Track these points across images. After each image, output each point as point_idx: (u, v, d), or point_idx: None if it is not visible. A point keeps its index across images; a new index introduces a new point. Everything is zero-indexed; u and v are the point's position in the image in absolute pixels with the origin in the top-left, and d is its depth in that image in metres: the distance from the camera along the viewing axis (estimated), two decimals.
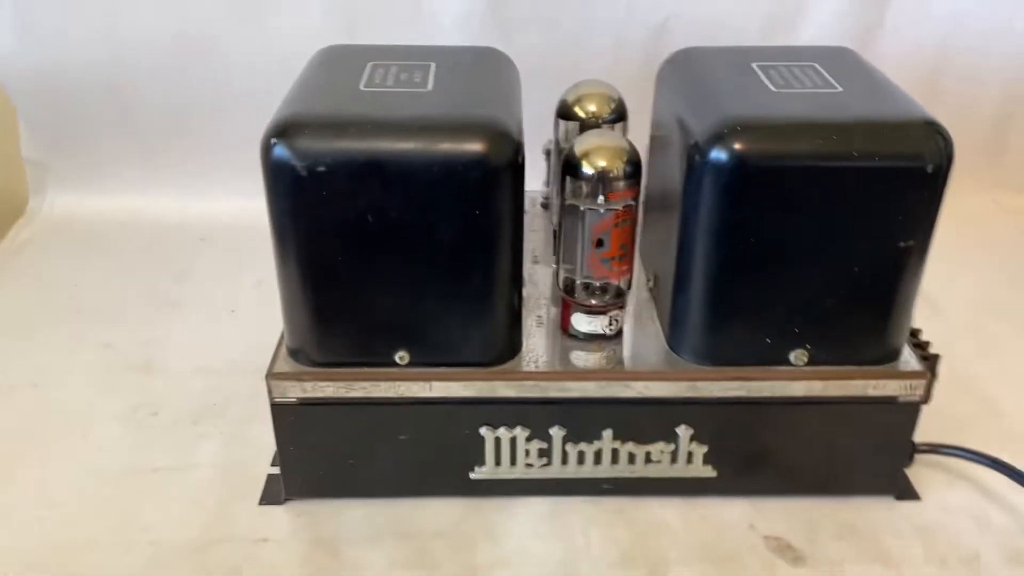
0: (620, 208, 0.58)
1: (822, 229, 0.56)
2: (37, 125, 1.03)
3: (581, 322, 0.63)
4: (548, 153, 0.75)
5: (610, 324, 0.63)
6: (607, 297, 0.62)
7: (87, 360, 0.81)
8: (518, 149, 0.54)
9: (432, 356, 0.60)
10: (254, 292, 0.91)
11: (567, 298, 0.63)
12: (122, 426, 0.73)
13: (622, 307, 0.63)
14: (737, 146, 0.54)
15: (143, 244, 1.00)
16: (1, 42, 0.96)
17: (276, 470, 0.67)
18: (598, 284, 0.62)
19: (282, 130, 0.53)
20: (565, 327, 0.64)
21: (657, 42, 0.96)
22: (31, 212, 1.07)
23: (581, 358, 0.62)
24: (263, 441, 0.70)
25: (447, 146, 0.53)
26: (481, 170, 0.53)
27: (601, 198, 0.58)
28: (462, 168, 0.53)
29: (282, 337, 0.62)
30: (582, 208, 0.59)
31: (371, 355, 0.60)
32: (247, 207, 1.03)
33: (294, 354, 0.61)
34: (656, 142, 0.69)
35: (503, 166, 0.54)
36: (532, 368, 0.61)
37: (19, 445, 0.71)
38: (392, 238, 0.55)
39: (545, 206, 0.80)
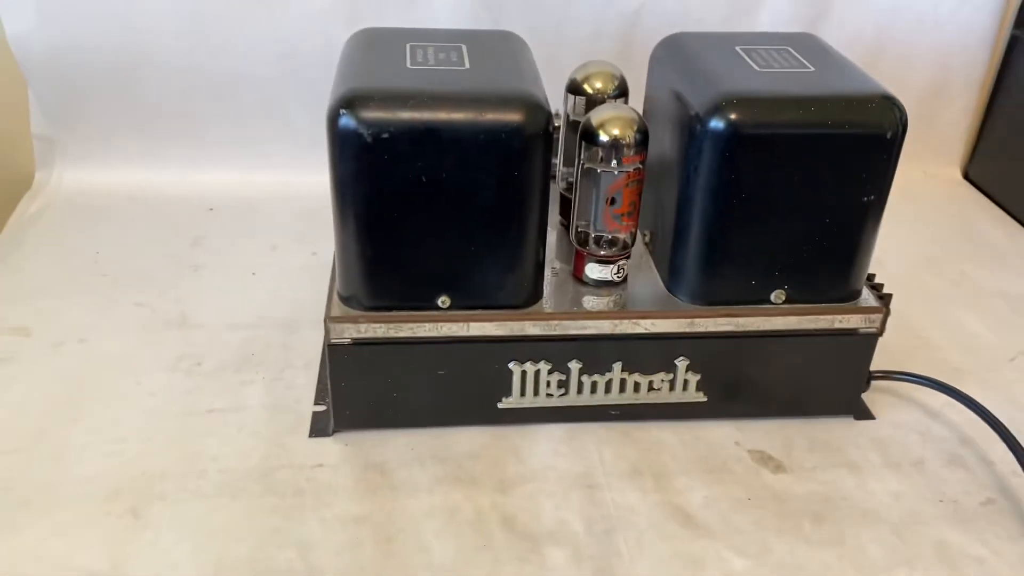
0: (631, 170, 0.68)
1: (801, 186, 0.66)
2: (47, 101, 1.08)
3: (593, 270, 0.73)
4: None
5: (618, 272, 0.73)
6: (615, 249, 0.72)
7: (124, 318, 0.88)
8: (549, 119, 0.64)
9: (470, 300, 0.69)
10: (271, 255, 0.99)
11: (581, 249, 0.73)
12: (170, 375, 0.80)
13: (628, 257, 0.73)
14: (733, 116, 0.64)
15: (154, 215, 1.06)
16: (22, 19, 1.00)
17: (321, 408, 0.76)
18: (609, 237, 0.72)
19: (349, 102, 0.62)
20: (579, 275, 0.74)
21: (632, 29, 1.07)
22: (38, 185, 1.11)
23: (593, 301, 0.72)
24: (301, 383, 0.79)
25: (492, 116, 0.62)
26: (520, 137, 0.63)
27: (614, 162, 0.68)
28: (505, 136, 0.62)
29: (333, 285, 0.71)
30: (598, 171, 0.68)
31: (417, 300, 0.69)
32: (252, 180, 1.12)
33: (346, 300, 0.69)
34: (648, 115, 0.79)
35: (538, 134, 0.63)
36: (553, 310, 0.70)
37: (79, 391, 0.78)
38: (441, 196, 0.64)
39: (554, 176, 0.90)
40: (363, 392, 0.72)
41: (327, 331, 0.69)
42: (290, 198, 1.10)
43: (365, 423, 0.74)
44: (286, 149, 1.12)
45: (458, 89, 0.64)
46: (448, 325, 0.69)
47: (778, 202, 0.67)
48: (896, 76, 1.16)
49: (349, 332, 0.69)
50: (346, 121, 0.61)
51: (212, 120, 1.11)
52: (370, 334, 0.69)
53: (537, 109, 0.63)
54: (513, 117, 0.62)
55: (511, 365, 0.71)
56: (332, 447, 0.73)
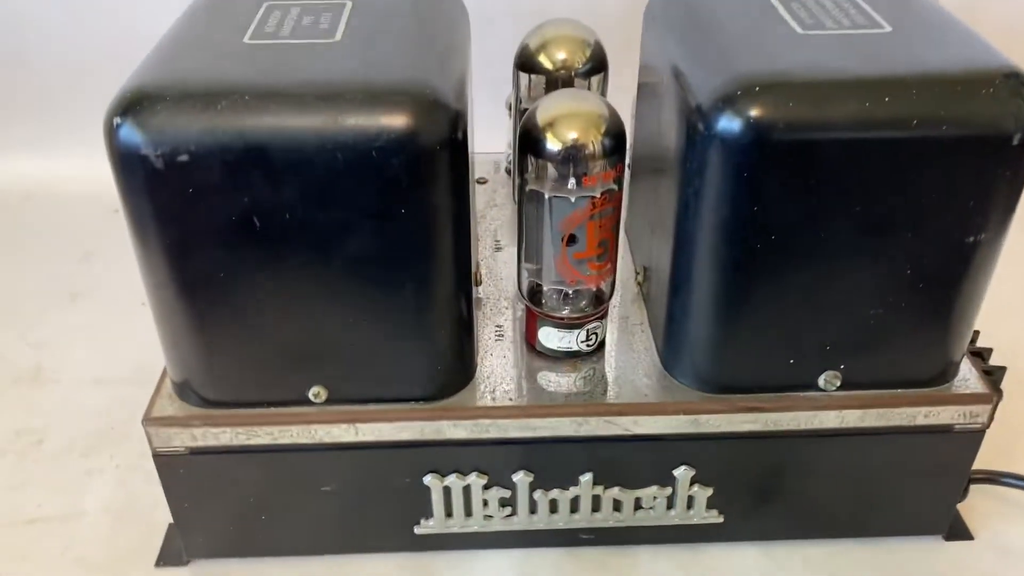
0: (597, 195, 0.44)
1: (866, 220, 0.41)
2: None
3: (551, 337, 0.49)
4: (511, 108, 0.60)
5: (587, 339, 0.49)
6: (583, 305, 0.48)
7: None
8: (456, 122, 0.40)
9: (356, 392, 0.46)
10: None
11: (532, 308, 0.49)
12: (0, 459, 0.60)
13: (602, 316, 0.49)
14: (753, 112, 0.39)
15: (45, 219, 0.86)
16: None
17: None
18: (569, 292, 0.48)
19: (128, 105, 0.38)
20: (531, 341, 0.50)
21: None
22: None
23: (552, 382, 0.48)
24: None
25: (356, 121, 0.38)
26: (405, 153, 0.39)
27: (572, 182, 0.44)
28: (378, 152, 0.39)
29: (165, 370, 0.48)
30: (547, 196, 0.44)
31: (277, 392, 0.46)
32: None
33: (180, 390, 0.47)
34: (647, 89, 0.54)
35: (436, 145, 0.39)
36: (488, 401, 0.47)
37: None
38: (289, 246, 0.41)
39: (511, 172, 0.65)
40: (217, 513, 0.50)
41: (148, 438, 0.47)
42: None
43: (228, 550, 0.52)
44: None
45: (304, 78, 0.40)
46: (326, 428, 0.46)
47: (828, 243, 0.42)
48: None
49: (180, 439, 0.46)
50: (126, 135, 0.38)
51: None
52: (211, 441, 0.46)
53: (432, 106, 0.39)
54: (391, 121, 0.39)
55: (427, 479, 0.49)
56: None
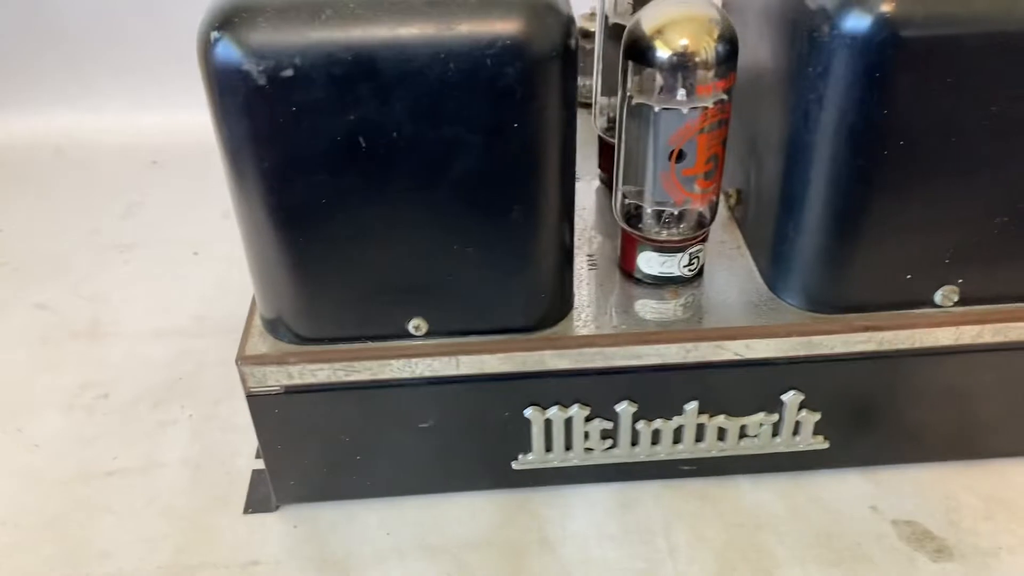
0: (710, 105, 0.42)
1: (1002, 121, 0.39)
2: None
3: (651, 263, 0.47)
4: (584, 32, 0.57)
5: (689, 263, 0.47)
6: (684, 227, 0.46)
7: (17, 327, 0.65)
8: (569, 28, 0.38)
9: (457, 324, 0.44)
10: (221, 226, 0.75)
11: (631, 232, 0.47)
12: (64, 415, 0.58)
13: (704, 240, 0.47)
14: (884, 8, 0.37)
15: (82, 172, 0.83)
16: None
17: (263, 466, 0.53)
18: (675, 211, 0.46)
19: (226, 18, 0.36)
20: (628, 268, 0.48)
21: None
22: None
23: (652, 310, 0.47)
24: (243, 423, 0.55)
25: (469, 27, 0.36)
26: (520, 61, 0.37)
27: (682, 92, 0.42)
28: (492, 59, 0.36)
29: (253, 304, 0.46)
30: (656, 108, 0.42)
31: (376, 326, 0.44)
32: (207, 121, 0.87)
33: (272, 327, 0.45)
34: (732, 8, 0.51)
35: (551, 53, 0.37)
36: (592, 330, 0.45)
37: None
38: (395, 168, 0.39)
39: (584, 104, 0.63)
40: (311, 455, 0.48)
41: (241, 377, 0.45)
42: None
43: (320, 494, 0.51)
44: None
45: None
46: (427, 361, 0.45)
47: (961, 149, 0.40)
48: None
49: (277, 377, 0.45)
50: (224, 51, 0.36)
51: (154, 44, 0.86)
52: (309, 379, 0.45)
53: (547, 12, 0.37)
54: (506, 28, 0.36)
55: (528, 412, 0.47)
56: (274, 531, 0.50)
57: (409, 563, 0.48)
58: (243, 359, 0.44)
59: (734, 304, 0.47)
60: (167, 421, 0.57)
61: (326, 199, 0.40)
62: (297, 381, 0.45)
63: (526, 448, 0.49)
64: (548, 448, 0.49)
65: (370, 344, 0.44)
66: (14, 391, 0.59)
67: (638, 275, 0.48)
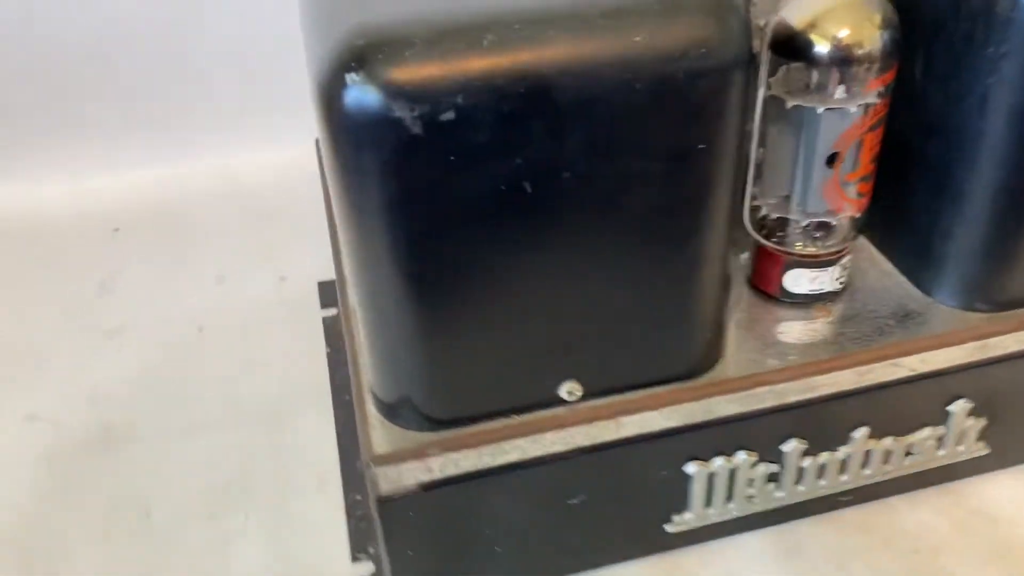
0: (876, 101, 0.37)
1: None
2: None
3: (800, 280, 0.42)
4: None
5: (840, 276, 0.43)
6: (837, 236, 0.42)
7: (10, 447, 0.55)
8: (750, 31, 0.32)
9: (613, 380, 0.38)
10: (219, 295, 0.66)
11: (774, 248, 0.42)
12: (101, 548, 0.48)
13: (849, 250, 0.43)
14: None
15: (35, 251, 0.72)
16: None
17: (366, 569, 0.45)
18: (833, 222, 0.41)
19: (363, 55, 0.29)
20: (767, 289, 0.43)
21: None
22: None
23: (809, 332, 0.42)
24: (320, 520, 0.48)
25: (655, 38, 0.30)
26: (714, 71, 0.31)
27: (841, 90, 0.37)
28: (685, 72, 0.31)
29: (356, 373, 0.39)
30: (819, 110, 0.37)
31: (524, 396, 0.38)
32: (172, 175, 0.78)
33: (392, 413, 0.38)
34: None
35: (740, 59, 0.32)
36: (755, 367, 0.40)
37: None
38: (560, 212, 0.33)
39: None
40: (442, 555, 0.41)
41: (371, 480, 0.37)
42: (229, 195, 0.76)
43: None
44: (214, 121, 0.78)
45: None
46: (583, 428, 0.38)
47: None
48: None
49: (414, 475, 0.38)
50: (363, 96, 0.29)
51: (105, 95, 0.76)
52: (451, 470, 0.38)
53: (730, 11, 0.32)
54: (696, 33, 0.31)
55: (691, 468, 0.41)
56: None
57: None
58: (374, 459, 0.37)
59: (889, 314, 0.43)
60: (230, 533, 0.49)
61: (476, 258, 0.33)
62: (437, 475, 0.38)
63: (681, 507, 0.43)
64: (708, 503, 0.43)
65: (516, 419, 0.38)
66: (29, 531, 0.50)
67: (783, 296, 0.43)
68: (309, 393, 0.55)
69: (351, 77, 0.29)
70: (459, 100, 0.29)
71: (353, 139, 0.30)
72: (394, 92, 0.29)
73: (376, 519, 0.39)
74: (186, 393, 0.58)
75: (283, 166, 0.76)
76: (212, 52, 0.74)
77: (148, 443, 0.55)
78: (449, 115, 0.29)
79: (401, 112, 0.29)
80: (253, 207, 0.74)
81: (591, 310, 0.36)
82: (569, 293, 0.35)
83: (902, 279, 0.44)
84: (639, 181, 0.33)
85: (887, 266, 0.45)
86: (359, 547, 0.47)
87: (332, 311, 0.61)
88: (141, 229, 0.73)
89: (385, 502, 0.38)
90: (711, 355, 0.40)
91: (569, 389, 0.38)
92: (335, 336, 0.58)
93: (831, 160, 0.39)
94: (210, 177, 0.78)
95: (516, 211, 0.32)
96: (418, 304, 0.34)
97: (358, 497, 0.49)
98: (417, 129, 0.29)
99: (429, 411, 0.37)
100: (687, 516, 0.43)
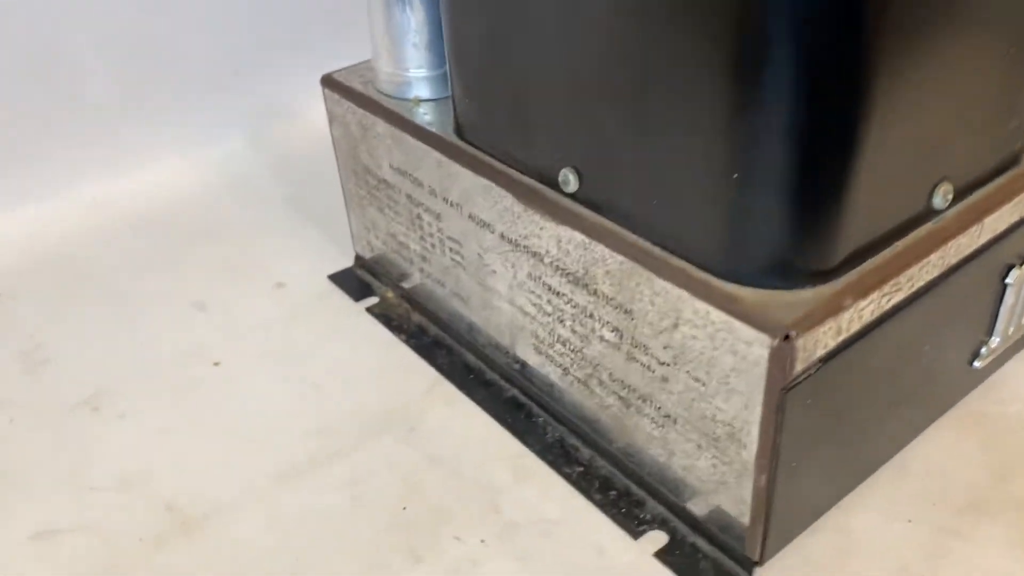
0: None
1: None
2: None
3: None
4: None
5: None
6: None
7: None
8: None
9: (977, 172, 0.32)
10: (197, 319, 0.50)
11: None
12: None
13: None
14: None
15: None
16: None
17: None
18: None
19: None
20: None
21: None
22: None
23: None
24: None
25: None
26: None
27: None
28: None
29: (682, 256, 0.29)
30: None
31: (904, 209, 0.30)
32: (45, 220, 0.60)
33: (769, 273, 0.29)
34: None
35: None
36: None
37: None
38: None
39: None
40: (823, 458, 0.32)
41: (780, 366, 0.28)
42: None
43: (812, 514, 0.34)
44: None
45: None
46: (956, 243, 0.32)
47: None
48: None
49: (826, 341, 0.28)
50: None
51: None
52: (854, 325, 0.29)
53: None
54: None
55: (1011, 276, 0.36)
56: None
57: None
58: (792, 325, 0.27)
59: None
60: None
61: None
62: (843, 336, 0.29)
63: (989, 333, 0.37)
64: (1013, 321, 0.38)
65: (898, 245, 0.30)
66: None
67: None
68: (382, 398, 0.43)
69: None
70: None
71: None
72: None
73: (768, 437, 0.29)
74: (204, 460, 0.42)
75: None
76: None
77: (200, 533, 0.39)
78: None
79: None
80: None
81: (973, 92, 0.29)
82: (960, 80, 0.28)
83: None
84: None
85: None
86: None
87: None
88: (29, 288, 0.54)
89: (792, 391, 0.28)
90: None
91: (944, 191, 0.31)
92: None
93: None
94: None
95: None
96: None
97: None
98: None
99: (814, 258, 0.29)
100: (994, 342, 0.38)
